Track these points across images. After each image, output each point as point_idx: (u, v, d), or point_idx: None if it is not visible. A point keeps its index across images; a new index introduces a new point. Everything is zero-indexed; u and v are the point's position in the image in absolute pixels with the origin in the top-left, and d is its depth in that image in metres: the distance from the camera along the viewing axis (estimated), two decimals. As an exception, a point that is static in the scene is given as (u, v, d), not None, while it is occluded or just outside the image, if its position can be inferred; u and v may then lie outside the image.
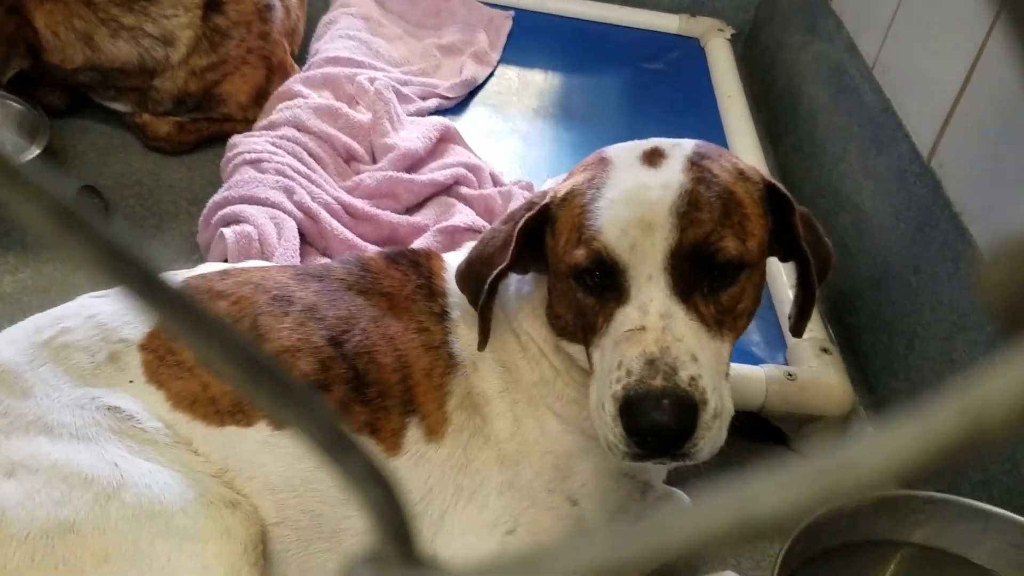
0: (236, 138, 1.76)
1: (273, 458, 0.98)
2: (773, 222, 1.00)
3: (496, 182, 1.81)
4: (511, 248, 0.98)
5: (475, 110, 2.15)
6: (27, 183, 0.16)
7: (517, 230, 0.99)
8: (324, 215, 1.58)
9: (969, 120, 1.38)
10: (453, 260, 1.13)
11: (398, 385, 1.03)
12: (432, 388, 1.04)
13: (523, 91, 2.25)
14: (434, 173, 1.74)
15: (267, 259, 1.45)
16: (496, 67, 2.32)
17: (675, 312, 0.89)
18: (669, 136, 1.03)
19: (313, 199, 1.60)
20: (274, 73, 1.97)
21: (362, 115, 1.88)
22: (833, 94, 1.95)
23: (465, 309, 1.09)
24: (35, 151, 1.71)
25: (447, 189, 1.75)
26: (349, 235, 1.58)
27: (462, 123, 2.03)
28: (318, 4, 2.36)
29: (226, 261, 1.44)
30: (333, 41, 2.16)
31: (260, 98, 1.95)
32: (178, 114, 1.92)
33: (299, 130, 1.77)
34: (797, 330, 1.09)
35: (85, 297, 1.07)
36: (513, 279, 1.11)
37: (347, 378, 1.01)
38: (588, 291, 0.95)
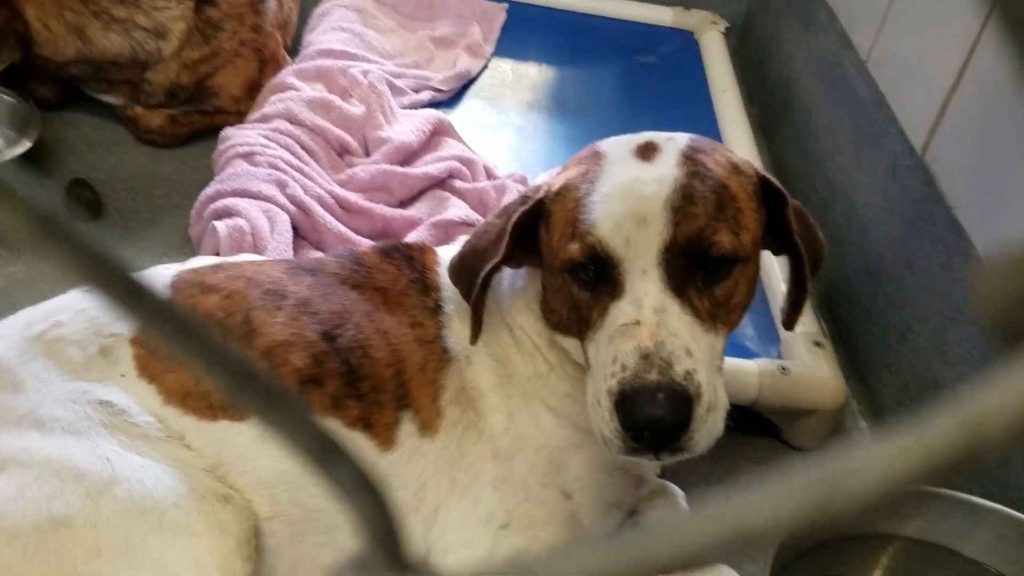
0: (228, 131, 1.75)
1: (266, 452, 0.97)
2: (766, 215, 1.00)
3: (490, 175, 1.81)
4: (505, 242, 0.98)
5: (469, 103, 2.15)
6: (3, 187, 0.16)
7: (511, 224, 0.99)
8: (317, 208, 1.58)
9: (963, 114, 1.38)
10: (447, 254, 1.13)
11: (392, 380, 1.03)
12: (426, 382, 1.04)
13: (517, 84, 2.25)
14: (428, 166, 1.74)
15: (260, 253, 1.44)
16: (490, 60, 2.31)
17: (669, 306, 0.89)
18: (663, 129, 1.03)
19: (306, 192, 1.60)
20: (267, 65, 1.96)
21: (355, 108, 1.88)
22: (827, 87, 1.95)
23: (459, 303, 1.09)
24: (26, 144, 1.70)
25: (441, 182, 1.74)
26: (342, 229, 1.58)
27: (456, 116, 2.02)
28: (311, -4, 2.35)
29: (218, 255, 1.43)
30: (326, 33, 2.15)
31: (253, 90, 1.94)
32: (170, 107, 1.91)
33: (292, 123, 1.77)
34: (789, 323, 1.09)
35: (77, 291, 1.07)
36: (507, 273, 1.10)
37: (340, 373, 1.01)
38: (582, 285, 0.95)
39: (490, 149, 1.94)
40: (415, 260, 1.14)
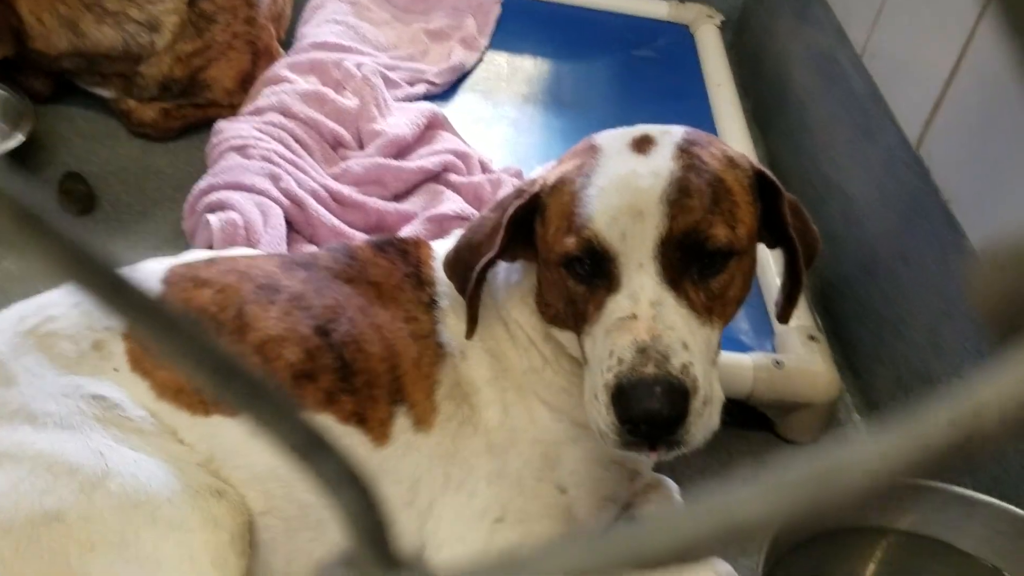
0: (221, 124, 1.74)
1: (259, 448, 0.97)
2: (762, 209, 1.00)
3: (485, 169, 1.81)
4: (500, 236, 0.98)
5: (463, 96, 2.14)
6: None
7: (506, 218, 0.98)
8: (311, 202, 1.57)
9: (958, 108, 1.38)
10: (441, 248, 1.13)
11: (386, 374, 1.03)
12: (420, 377, 1.04)
13: (512, 77, 2.24)
14: (422, 160, 1.74)
15: (253, 246, 1.44)
16: (485, 53, 2.30)
17: (666, 300, 0.89)
18: (658, 123, 1.03)
19: (300, 186, 1.59)
20: (260, 58, 1.96)
21: (349, 101, 1.87)
22: (822, 81, 1.95)
23: (454, 298, 1.08)
24: (19, 138, 1.69)
25: (435, 176, 1.74)
26: (336, 222, 1.57)
27: (450, 109, 2.02)
28: (305, -11, 2.34)
29: (212, 248, 1.43)
30: (320, 26, 2.14)
31: (246, 83, 1.93)
32: (163, 100, 1.90)
33: (285, 116, 1.76)
34: (784, 316, 1.09)
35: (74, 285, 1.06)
36: (501, 267, 1.10)
37: (334, 368, 1.01)
38: (578, 279, 0.95)
39: (485, 143, 1.93)
40: (409, 254, 1.13)
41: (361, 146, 1.82)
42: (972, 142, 1.33)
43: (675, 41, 2.51)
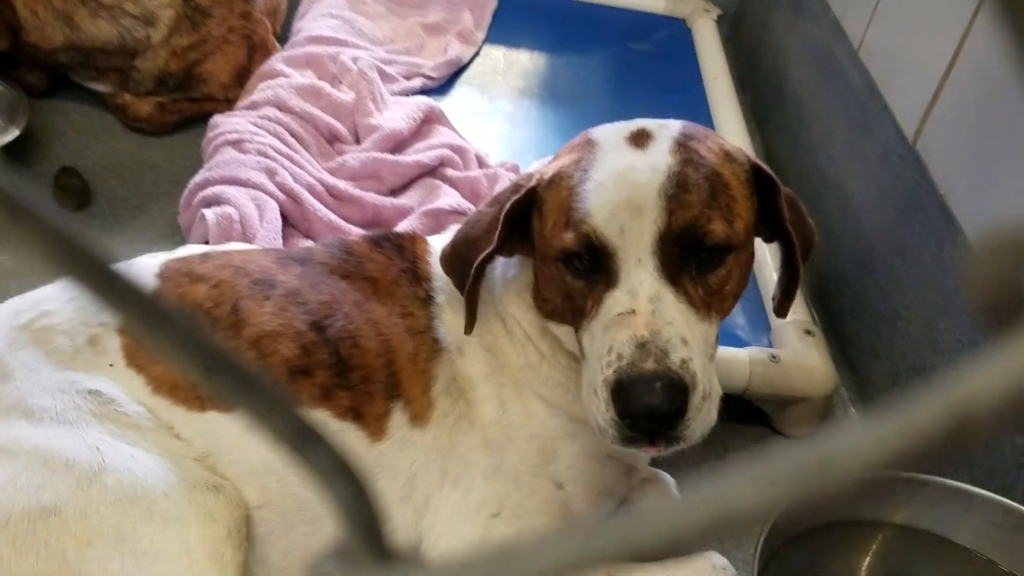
0: (217, 118, 1.74)
1: (255, 443, 0.97)
2: (758, 203, 1.00)
3: (482, 164, 1.80)
4: (497, 231, 0.98)
5: (460, 90, 2.14)
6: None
7: (503, 213, 0.98)
8: (307, 197, 1.57)
9: (955, 102, 1.38)
10: (438, 244, 1.13)
11: (382, 370, 1.03)
12: (417, 373, 1.04)
13: (509, 71, 2.24)
14: (419, 154, 1.73)
15: (249, 241, 1.43)
16: (481, 47, 2.30)
17: (664, 295, 0.89)
18: (655, 117, 1.02)
19: (296, 180, 1.59)
20: (256, 52, 1.95)
21: (345, 95, 1.87)
22: (819, 75, 1.95)
23: (450, 293, 1.08)
24: (14, 132, 1.69)
25: (432, 171, 1.73)
26: (332, 217, 1.57)
27: (447, 103, 2.02)
28: (301, -18, 2.34)
29: (208, 243, 1.42)
30: (316, 20, 2.14)
31: (242, 77, 1.93)
32: (159, 94, 1.90)
33: (281, 110, 1.76)
34: (781, 311, 1.09)
35: (64, 280, 1.06)
36: (498, 262, 1.10)
37: (330, 363, 1.01)
38: (576, 274, 0.95)
39: (482, 137, 1.93)
40: (406, 249, 1.13)
41: (357, 140, 1.81)
42: (969, 137, 1.33)
43: (672, 35, 2.50)
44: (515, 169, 1.79)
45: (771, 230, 1.03)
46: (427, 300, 1.09)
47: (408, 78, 2.06)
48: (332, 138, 1.81)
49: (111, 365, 0.98)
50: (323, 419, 1.01)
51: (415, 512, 1.03)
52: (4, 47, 1.75)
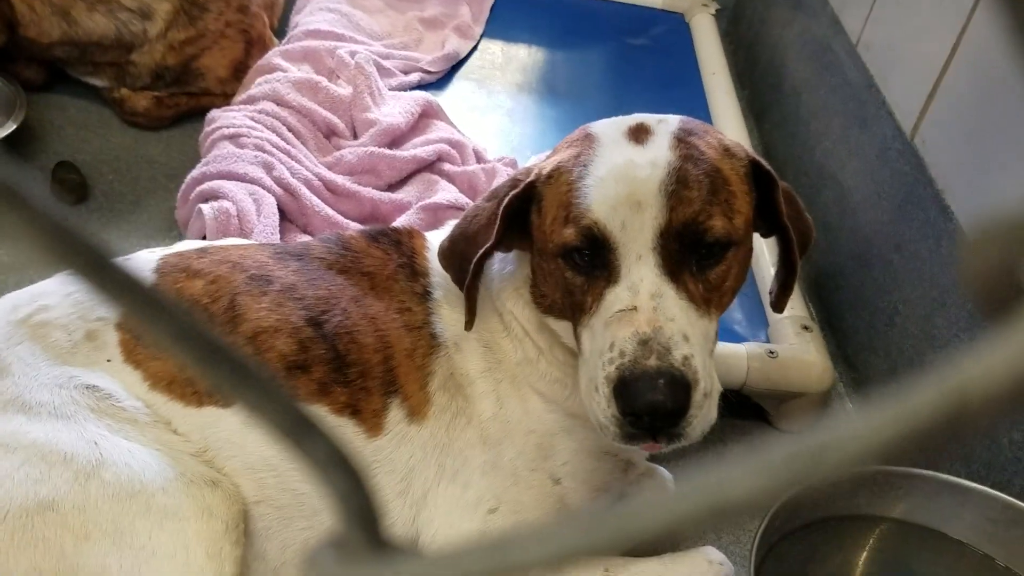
0: (214, 112, 1.74)
1: (252, 439, 0.97)
2: (756, 198, 1.00)
3: (479, 159, 1.80)
4: (496, 227, 0.97)
5: (458, 85, 2.14)
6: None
7: (502, 208, 0.98)
8: (304, 191, 1.57)
9: (952, 97, 1.38)
10: (435, 239, 1.12)
11: (380, 366, 1.03)
12: (414, 369, 1.04)
13: (507, 66, 2.23)
14: (416, 149, 1.73)
15: (246, 236, 1.43)
16: (479, 41, 2.30)
17: (666, 292, 0.89)
18: (654, 112, 1.02)
19: (293, 175, 1.59)
20: (253, 46, 1.95)
21: (343, 89, 1.87)
22: (817, 71, 1.95)
23: (447, 289, 1.08)
24: (11, 126, 1.69)
25: (430, 166, 1.73)
26: (330, 212, 1.57)
27: (445, 98, 2.01)
28: (298, -23, 2.33)
29: (204, 238, 1.42)
30: (313, 14, 2.14)
31: (239, 72, 1.93)
32: (156, 88, 1.89)
33: (278, 104, 1.76)
34: (778, 306, 1.09)
35: (62, 275, 1.06)
36: (496, 257, 1.10)
37: (327, 359, 1.01)
38: (577, 270, 0.94)
39: (480, 132, 1.93)
40: (403, 245, 1.13)
41: (355, 135, 1.81)
42: (966, 132, 1.33)
43: (670, 29, 2.50)
44: (513, 164, 1.79)
45: (769, 225, 1.03)
46: (424, 296, 1.09)
47: (406, 73, 2.06)
48: (329, 133, 1.81)
49: (109, 360, 0.98)
50: (320, 415, 1.01)
51: (412, 507, 1.03)
52: (1, 42, 1.75)
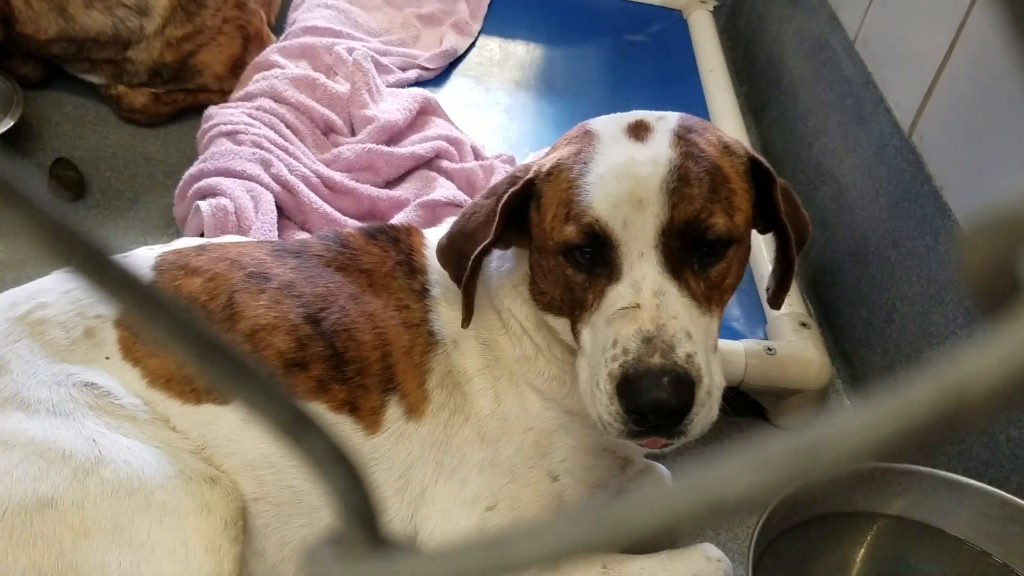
0: (212, 109, 1.74)
1: (250, 436, 0.97)
2: (755, 195, 1.00)
3: (477, 155, 1.80)
4: (495, 224, 0.97)
5: (456, 82, 2.14)
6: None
7: (501, 205, 0.97)
8: (302, 188, 1.57)
9: (950, 94, 1.38)
10: (433, 236, 1.12)
11: (378, 363, 1.02)
12: (412, 366, 1.04)
13: (505, 63, 2.23)
14: (414, 146, 1.73)
15: (244, 233, 1.43)
16: (477, 38, 2.29)
17: (668, 289, 0.89)
18: (651, 108, 1.02)
19: (291, 172, 1.59)
20: (250, 43, 1.94)
21: (340, 86, 1.86)
22: (815, 67, 1.95)
23: (446, 286, 1.08)
24: (9, 123, 1.68)
25: (428, 162, 1.73)
26: (328, 209, 1.57)
27: (442, 95, 2.01)
28: (296, -27, 2.33)
29: (203, 235, 1.42)
30: (310, 10, 2.13)
31: (236, 68, 1.92)
32: (153, 85, 1.89)
33: (276, 101, 1.75)
34: (776, 302, 1.09)
35: (61, 271, 1.06)
36: (494, 255, 1.10)
37: (325, 356, 1.01)
38: (578, 268, 0.94)
39: (477, 128, 1.93)
40: (401, 242, 1.13)
41: (353, 132, 1.81)
42: (964, 129, 1.33)
43: (668, 26, 2.50)
44: (511, 161, 1.78)
45: (766, 222, 1.03)
46: (423, 293, 1.09)
47: (404, 69, 2.06)
48: (327, 129, 1.81)
49: (107, 358, 0.98)
50: (318, 412, 1.01)
51: (410, 504, 1.04)
52: (-2, 38, 1.74)
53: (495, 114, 2.04)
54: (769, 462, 0.17)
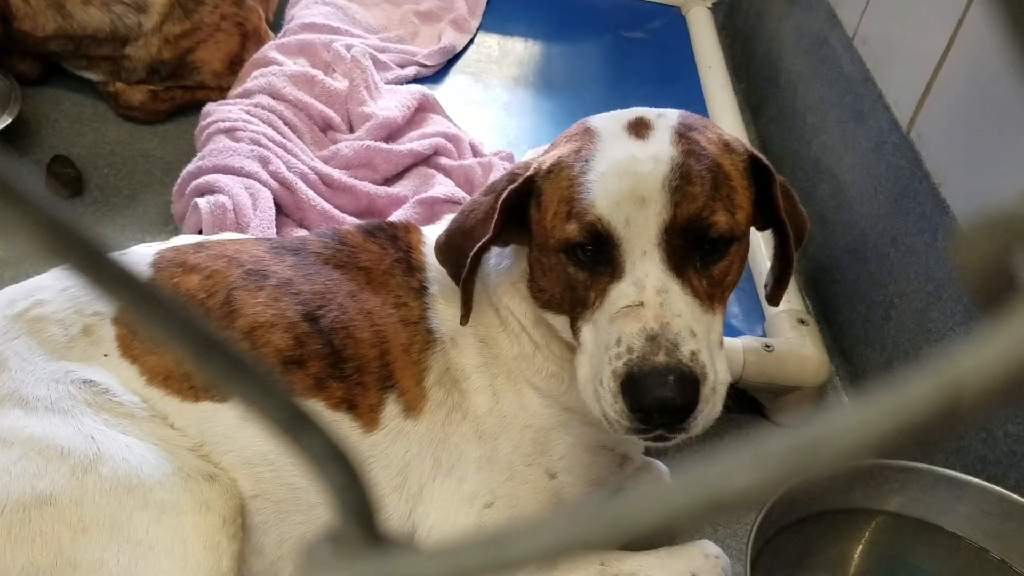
0: (210, 106, 1.73)
1: (248, 433, 0.97)
2: (754, 192, 1.00)
3: (476, 152, 1.80)
4: (494, 221, 0.97)
5: (454, 78, 2.13)
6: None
7: (500, 202, 0.97)
8: (300, 185, 1.56)
9: (948, 91, 1.38)
10: (431, 233, 1.12)
11: (376, 361, 1.02)
12: (410, 364, 1.04)
13: (503, 59, 2.23)
14: (413, 143, 1.73)
15: (242, 230, 1.43)
16: (475, 34, 2.29)
17: (671, 287, 0.89)
18: (650, 105, 1.02)
19: (289, 169, 1.59)
20: (249, 40, 1.94)
21: (339, 83, 1.86)
22: (813, 64, 1.95)
23: (444, 284, 1.08)
24: (6, 120, 1.68)
25: (426, 159, 1.73)
26: (326, 206, 1.57)
27: (441, 92, 2.01)
28: (294, -30, 2.32)
29: (201, 232, 1.42)
30: (309, 7, 2.13)
31: (235, 65, 1.92)
32: (151, 82, 1.89)
33: (274, 98, 1.75)
34: (774, 298, 1.09)
35: (59, 269, 1.06)
36: (492, 252, 1.10)
37: (323, 354, 1.01)
38: (579, 265, 0.94)
39: (476, 125, 1.93)
40: (399, 239, 1.13)
41: (351, 129, 1.81)
42: (963, 126, 1.33)
43: (667, 23, 2.50)
44: (509, 158, 1.78)
45: (765, 219, 1.03)
46: (421, 290, 1.09)
47: (402, 66, 2.06)
48: (326, 126, 1.81)
49: (105, 355, 0.98)
50: (316, 410, 1.01)
51: (408, 502, 1.04)
52: (-5, 35, 1.74)
53: (493, 111, 2.04)
54: (767, 459, 0.17)
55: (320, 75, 1.85)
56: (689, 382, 0.85)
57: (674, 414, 0.87)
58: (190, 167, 1.56)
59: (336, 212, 1.57)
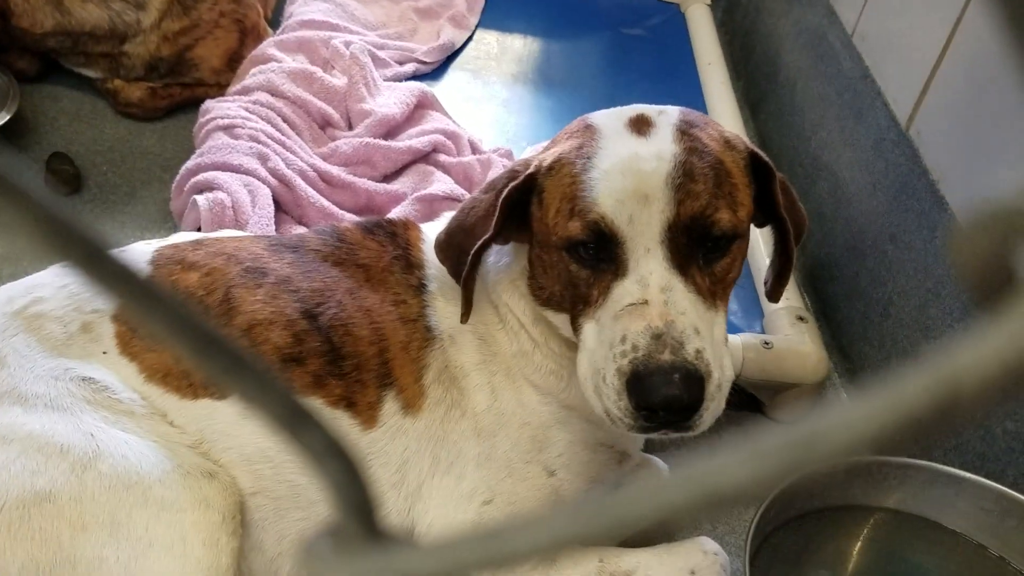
0: (209, 103, 1.73)
1: (248, 430, 0.97)
2: (755, 189, 1.00)
3: (475, 149, 1.80)
4: (495, 218, 0.97)
5: (453, 75, 2.13)
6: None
7: (501, 200, 0.97)
8: (299, 182, 1.56)
9: (947, 88, 1.38)
10: (431, 231, 1.12)
11: (375, 358, 1.02)
12: (409, 361, 1.04)
13: (502, 56, 2.23)
14: (412, 140, 1.73)
15: (241, 227, 1.43)
16: (475, 31, 2.29)
17: (675, 285, 0.89)
18: (650, 102, 1.02)
19: (288, 166, 1.58)
20: (247, 37, 1.94)
21: (337, 80, 1.86)
22: (812, 61, 1.95)
23: (442, 281, 1.08)
24: (5, 117, 1.68)
25: (425, 156, 1.73)
26: (325, 203, 1.57)
27: (440, 89, 2.01)
28: (293, -33, 2.32)
29: (200, 229, 1.42)
30: (307, 4, 2.13)
31: (233, 62, 1.92)
32: (150, 79, 1.89)
33: (273, 95, 1.75)
34: (774, 295, 1.09)
35: (58, 266, 1.06)
36: (492, 250, 1.09)
37: (322, 351, 1.01)
38: (581, 263, 0.94)
39: (475, 122, 1.92)
40: (398, 237, 1.13)
41: (350, 126, 1.81)
42: (961, 123, 1.33)
43: (665, 20, 2.50)
44: (508, 155, 1.78)
45: (765, 215, 1.03)
46: (420, 288, 1.08)
47: (401, 63, 2.06)
48: (324, 123, 1.80)
49: (104, 352, 0.98)
50: (315, 407, 1.01)
51: (407, 499, 1.04)
52: (-7, 32, 1.74)
53: (492, 108, 2.04)
54: (766, 455, 0.17)
55: (319, 72, 1.84)
56: (695, 380, 0.85)
57: (680, 412, 0.87)
58: (189, 164, 1.56)
59: (335, 209, 1.57)
